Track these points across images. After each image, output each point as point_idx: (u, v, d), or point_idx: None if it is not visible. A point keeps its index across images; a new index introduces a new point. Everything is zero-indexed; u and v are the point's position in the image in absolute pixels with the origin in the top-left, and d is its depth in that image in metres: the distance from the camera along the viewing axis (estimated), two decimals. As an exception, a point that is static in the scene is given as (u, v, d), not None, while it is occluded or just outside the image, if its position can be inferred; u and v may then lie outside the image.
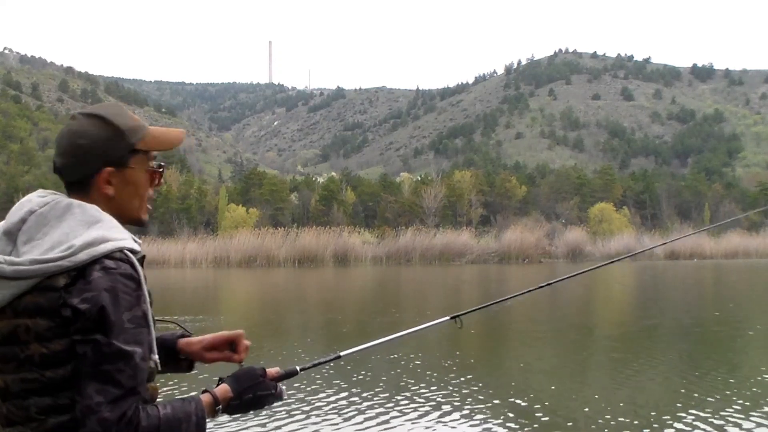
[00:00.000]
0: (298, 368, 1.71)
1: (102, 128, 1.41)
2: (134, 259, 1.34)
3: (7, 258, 1.31)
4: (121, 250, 1.32)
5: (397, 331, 2.00)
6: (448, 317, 2.00)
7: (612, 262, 3.21)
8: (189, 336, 1.70)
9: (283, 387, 1.62)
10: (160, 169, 1.52)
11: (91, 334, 1.26)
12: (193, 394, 1.47)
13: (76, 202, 1.37)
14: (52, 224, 1.34)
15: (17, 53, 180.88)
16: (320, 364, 1.82)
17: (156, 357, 1.38)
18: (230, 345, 1.66)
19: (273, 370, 1.61)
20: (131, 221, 1.49)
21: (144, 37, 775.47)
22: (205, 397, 1.45)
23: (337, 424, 5.84)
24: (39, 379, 1.29)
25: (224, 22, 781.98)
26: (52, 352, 1.28)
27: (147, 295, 1.35)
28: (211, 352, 1.66)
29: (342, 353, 1.85)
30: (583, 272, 2.83)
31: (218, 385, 1.51)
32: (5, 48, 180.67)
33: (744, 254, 53.32)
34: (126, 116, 1.46)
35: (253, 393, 1.51)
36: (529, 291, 2.45)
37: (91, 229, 1.33)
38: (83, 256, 1.28)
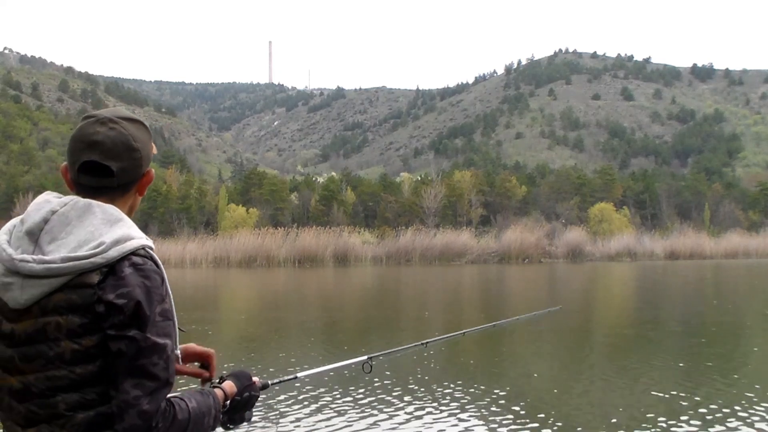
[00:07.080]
0: (269, 382, 1.82)
1: (146, 133, 1.50)
2: (156, 256, 1.40)
3: (36, 257, 1.32)
4: (144, 247, 1.38)
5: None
6: (365, 357, 2.19)
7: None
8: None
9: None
10: None
11: (126, 330, 1.30)
12: (203, 388, 1.56)
13: (94, 202, 1.40)
14: (74, 224, 1.36)
15: (17, 53, 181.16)
16: (282, 381, 1.97)
17: (178, 351, 1.44)
18: (200, 361, 1.71)
19: (255, 379, 1.70)
20: None
21: (144, 37, 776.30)
22: (218, 392, 1.54)
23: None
24: (68, 376, 1.31)
25: (224, 22, 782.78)
26: (84, 348, 1.31)
27: (169, 290, 1.42)
28: (178, 363, 1.68)
29: (299, 374, 2.02)
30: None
31: (221, 382, 1.61)
32: (5, 48, 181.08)
33: (744, 254, 53.32)
34: None
35: (249, 393, 1.62)
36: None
37: (114, 228, 1.37)
38: (114, 252, 1.32)
